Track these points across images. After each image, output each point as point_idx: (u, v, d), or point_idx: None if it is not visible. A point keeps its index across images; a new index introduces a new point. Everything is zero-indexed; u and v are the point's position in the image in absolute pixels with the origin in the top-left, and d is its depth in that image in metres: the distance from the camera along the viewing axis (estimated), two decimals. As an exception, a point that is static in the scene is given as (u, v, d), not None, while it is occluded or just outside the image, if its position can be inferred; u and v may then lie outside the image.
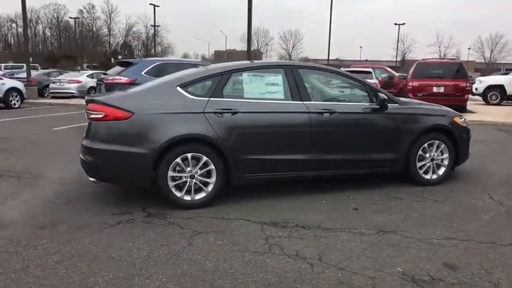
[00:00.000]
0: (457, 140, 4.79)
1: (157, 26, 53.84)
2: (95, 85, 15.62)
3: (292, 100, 4.20)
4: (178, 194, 3.86)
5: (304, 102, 4.19)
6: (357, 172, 4.61)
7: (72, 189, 4.49)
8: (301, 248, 3.08)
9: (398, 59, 60.45)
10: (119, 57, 55.23)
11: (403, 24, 50.45)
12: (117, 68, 9.29)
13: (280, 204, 4.06)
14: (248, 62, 4.74)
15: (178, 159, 3.80)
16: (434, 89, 12.89)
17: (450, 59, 17.04)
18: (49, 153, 6.61)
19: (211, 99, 3.96)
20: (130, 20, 72.52)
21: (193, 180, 3.88)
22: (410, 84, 13.16)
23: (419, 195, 4.40)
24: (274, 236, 3.32)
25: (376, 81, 14.58)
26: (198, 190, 3.91)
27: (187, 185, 3.87)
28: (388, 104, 4.47)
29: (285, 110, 4.15)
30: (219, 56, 68.68)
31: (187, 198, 3.89)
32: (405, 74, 17.22)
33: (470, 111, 13.03)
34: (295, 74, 4.27)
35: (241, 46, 78.16)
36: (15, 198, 4.19)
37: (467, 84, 12.71)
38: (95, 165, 3.84)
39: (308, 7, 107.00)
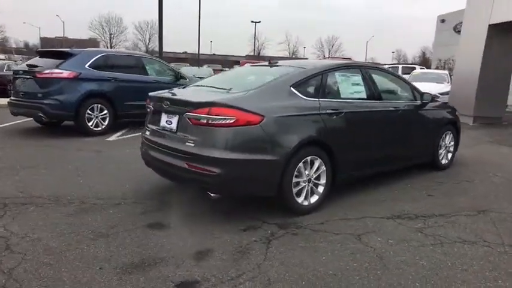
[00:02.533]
0: (459, 130, 5.82)
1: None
2: None
3: (371, 99, 4.43)
4: (299, 200, 3.68)
5: (381, 101, 4.49)
6: (407, 164, 5.13)
7: (156, 213, 3.73)
8: (461, 234, 3.42)
9: (250, 54, 64.63)
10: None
11: (259, 22, 54.20)
12: (49, 60, 7.61)
13: (377, 199, 4.28)
14: (334, 61, 4.68)
15: (301, 164, 3.62)
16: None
17: (344, 58, 19.33)
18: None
19: (320, 99, 3.88)
20: None
21: (310, 184, 3.76)
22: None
23: (451, 178, 5.24)
24: (420, 227, 3.55)
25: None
26: (311, 194, 3.81)
27: (305, 190, 3.72)
28: (425, 101, 5.13)
29: (375, 109, 4.37)
30: (48, 43, 60.13)
31: (306, 203, 3.74)
32: None
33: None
34: (368, 74, 4.51)
35: (90, 34, 71.11)
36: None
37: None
38: (225, 179, 3.29)
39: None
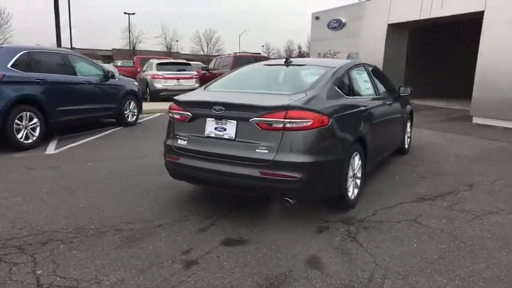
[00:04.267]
0: (412, 118, 6.68)
1: None
2: None
3: (376, 95, 4.80)
4: (350, 196, 3.81)
5: (380, 97, 4.89)
6: (392, 151, 5.67)
7: (216, 229, 3.38)
8: (480, 206, 4.02)
9: (124, 47, 60.77)
10: None
11: (133, 14, 51.15)
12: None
13: (389, 187, 4.68)
14: (346, 60, 4.76)
15: (351, 160, 3.76)
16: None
17: (256, 53, 19.61)
18: None
19: (354, 97, 4.07)
20: None
21: (354, 179, 3.93)
22: (232, 75, 14.62)
23: (419, 160, 6.03)
24: (447, 205, 4.05)
25: (195, 73, 15.21)
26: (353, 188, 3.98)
27: (352, 185, 3.87)
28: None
29: (380, 104, 4.74)
30: None
31: (353, 198, 3.88)
32: (206, 66, 18.55)
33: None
34: (369, 72, 4.86)
35: None
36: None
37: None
38: (305, 183, 3.19)
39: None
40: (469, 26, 10.93)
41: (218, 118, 3.44)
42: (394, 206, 4.03)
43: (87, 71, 7.99)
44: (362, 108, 4.08)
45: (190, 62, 16.04)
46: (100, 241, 3.13)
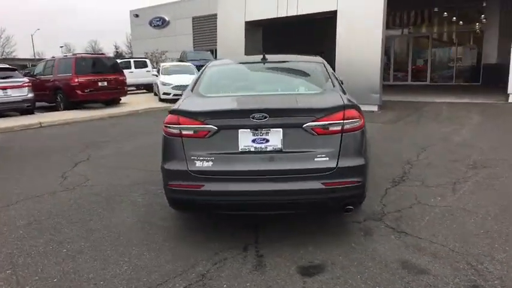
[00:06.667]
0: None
1: None
2: None
3: None
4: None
5: None
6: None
7: (275, 259, 2.74)
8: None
9: None
10: None
11: None
12: None
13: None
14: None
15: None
16: (99, 84, 13.07)
17: (100, 53, 16.54)
18: None
19: None
20: None
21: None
22: (76, 80, 12.46)
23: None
24: (456, 196, 4.49)
25: (27, 80, 12.17)
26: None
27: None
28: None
29: None
30: None
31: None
32: (27, 71, 15.03)
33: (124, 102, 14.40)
34: None
35: None
36: None
37: (125, 78, 13.90)
38: (364, 186, 2.94)
39: None
40: (324, 22, 12.19)
41: (256, 128, 2.84)
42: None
43: None
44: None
45: (14, 67, 12.75)
46: None
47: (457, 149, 6.02)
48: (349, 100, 3.04)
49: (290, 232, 3.28)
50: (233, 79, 3.90)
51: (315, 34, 15.94)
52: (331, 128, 2.84)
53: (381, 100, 10.66)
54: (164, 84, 14.53)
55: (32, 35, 56.13)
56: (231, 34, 12.89)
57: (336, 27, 10.82)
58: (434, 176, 4.66)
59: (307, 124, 2.81)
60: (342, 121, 2.84)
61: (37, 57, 50.98)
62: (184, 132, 2.91)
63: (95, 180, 5.05)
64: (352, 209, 2.99)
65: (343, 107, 2.88)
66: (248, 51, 12.62)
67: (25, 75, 14.25)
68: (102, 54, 17.39)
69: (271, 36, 13.59)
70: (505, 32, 14.94)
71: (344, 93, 3.23)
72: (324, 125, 2.82)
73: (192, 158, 2.88)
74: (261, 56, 3.93)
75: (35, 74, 14.15)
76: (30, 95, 11.91)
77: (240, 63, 4.26)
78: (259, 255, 2.91)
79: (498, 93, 12.46)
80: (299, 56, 4.18)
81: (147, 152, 6.51)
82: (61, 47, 66.26)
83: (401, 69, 20.59)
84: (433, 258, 2.78)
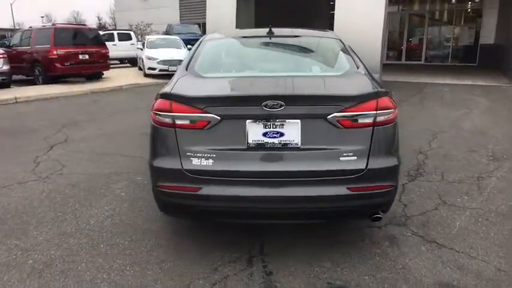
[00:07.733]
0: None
1: None
2: None
3: None
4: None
5: None
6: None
7: (284, 276, 2.24)
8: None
9: None
10: None
11: None
12: None
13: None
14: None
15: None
16: (80, 57, 12.16)
17: (82, 24, 15.31)
18: None
19: None
20: None
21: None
22: (55, 53, 11.50)
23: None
24: (475, 193, 4.03)
25: (2, 52, 11.17)
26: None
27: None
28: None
29: None
30: None
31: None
32: (4, 41, 13.86)
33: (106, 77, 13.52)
34: None
35: None
36: None
37: (108, 51, 12.98)
38: (396, 190, 2.44)
39: None
40: None
41: (268, 118, 2.28)
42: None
43: None
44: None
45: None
46: None
47: (470, 137, 5.57)
48: (380, 86, 2.49)
49: (298, 238, 2.78)
50: (236, 56, 3.27)
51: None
52: (361, 121, 2.30)
53: (380, 80, 10.14)
54: (149, 58, 13.67)
55: (11, 4, 53.16)
56: (221, 6, 12.06)
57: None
58: (454, 169, 4.20)
59: (332, 115, 2.26)
60: (374, 112, 2.29)
61: (17, 27, 48.59)
62: (178, 122, 2.32)
63: (71, 167, 4.44)
64: (381, 217, 2.48)
65: (376, 94, 2.33)
66: (240, 25, 11.86)
67: (0, 46, 13.18)
68: (84, 25, 16.22)
69: (264, 10, 12.80)
70: (504, 12, 14.42)
71: (372, 76, 2.67)
72: (352, 116, 2.27)
73: (188, 154, 2.31)
74: (267, 29, 3.30)
75: (11, 45, 13.06)
76: (6, 67, 10.99)
77: (243, 37, 3.61)
78: (267, 272, 2.41)
79: (498, 75, 12.06)
80: (311, 31, 3.57)
81: (132, 133, 5.90)
82: (42, 17, 63.08)
83: (394, 48, 20.00)
84: (478, 280, 2.31)
